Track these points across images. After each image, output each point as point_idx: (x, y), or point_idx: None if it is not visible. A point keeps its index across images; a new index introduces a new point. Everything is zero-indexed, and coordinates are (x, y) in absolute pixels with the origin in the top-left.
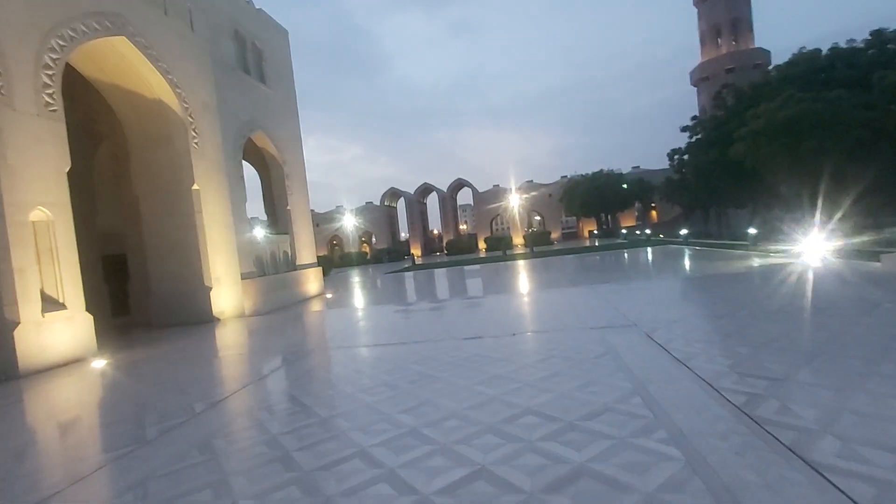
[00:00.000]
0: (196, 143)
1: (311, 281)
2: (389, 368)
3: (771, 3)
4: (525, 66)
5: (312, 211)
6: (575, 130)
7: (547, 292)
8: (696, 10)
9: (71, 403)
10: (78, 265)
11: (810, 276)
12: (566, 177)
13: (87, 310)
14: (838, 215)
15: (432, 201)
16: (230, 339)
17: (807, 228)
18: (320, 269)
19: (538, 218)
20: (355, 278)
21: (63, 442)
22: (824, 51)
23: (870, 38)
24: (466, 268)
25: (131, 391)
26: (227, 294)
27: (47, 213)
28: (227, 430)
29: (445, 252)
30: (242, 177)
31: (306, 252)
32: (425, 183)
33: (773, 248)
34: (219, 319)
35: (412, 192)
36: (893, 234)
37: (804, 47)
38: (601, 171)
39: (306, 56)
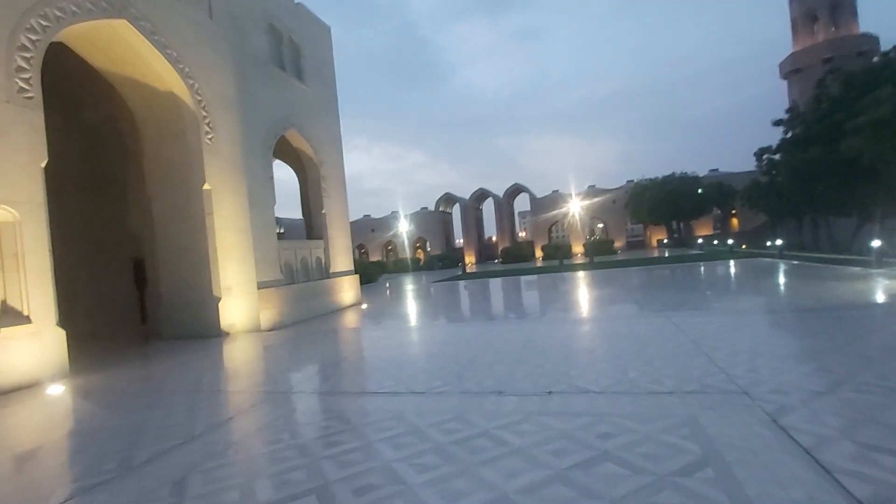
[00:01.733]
0: (210, 139)
1: (346, 290)
2: (343, 451)
3: None
4: (589, 71)
5: (368, 216)
6: (643, 135)
7: (606, 320)
8: None
9: None
10: (50, 272)
11: None
12: (632, 181)
13: (116, 315)
14: None
15: (489, 208)
16: (210, 365)
17: None
18: (357, 277)
19: (601, 225)
20: (402, 286)
21: None
22: None
23: None
24: (517, 279)
25: (30, 445)
26: (238, 305)
27: (14, 213)
28: None
29: (500, 260)
30: (271, 177)
31: (342, 259)
32: (481, 188)
33: None
34: (227, 333)
35: (468, 198)
36: None
37: None
38: (673, 174)
39: (373, 68)
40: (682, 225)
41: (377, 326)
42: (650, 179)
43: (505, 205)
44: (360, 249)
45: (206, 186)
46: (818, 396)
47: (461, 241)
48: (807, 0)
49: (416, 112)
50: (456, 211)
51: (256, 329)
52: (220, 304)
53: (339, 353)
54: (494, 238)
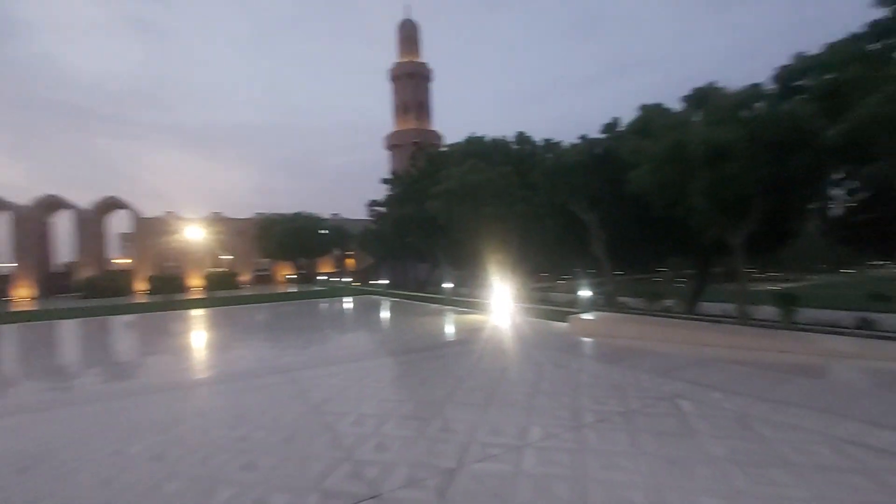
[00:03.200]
0: None
1: None
2: None
3: (444, 97)
4: (223, 92)
5: None
6: (278, 171)
7: (206, 385)
8: (391, 87)
9: None
10: None
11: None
12: (262, 214)
13: None
14: (514, 275)
15: (68, 224)
16: None
17: (489, 285)
18: None
19: (230, 257)
20: None
21: None
22: (488, 139)
23: (516, 137)
24: (98, 320)
25: None
26: None
27: None
28: None
29: (81, 293)
30: None
31: None
32: (53, 195)
33: (465, 301)
34: None
35: (28, 205)
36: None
37: (474, 133)
38: (300, 213)
39: None
40: (307, 262)
41: None
42: (280, 215)
43: (93, 221)
44: None
45: None
46: (452, 479)
47: (12, 264)
48: (402, 96)
49: None
50: (4, 222)
51: None
52: None
53: None
54: (77, 263)
